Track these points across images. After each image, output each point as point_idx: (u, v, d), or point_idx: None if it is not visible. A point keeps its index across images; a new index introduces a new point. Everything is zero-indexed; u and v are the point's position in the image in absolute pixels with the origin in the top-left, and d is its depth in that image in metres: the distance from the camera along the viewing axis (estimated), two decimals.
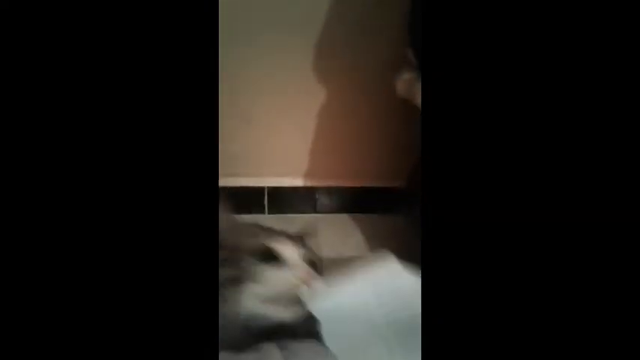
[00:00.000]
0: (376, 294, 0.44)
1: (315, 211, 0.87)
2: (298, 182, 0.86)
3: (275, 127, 0.82)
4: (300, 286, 0.39)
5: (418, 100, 0.49)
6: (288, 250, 0.41)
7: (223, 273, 0.36)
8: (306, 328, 0.41)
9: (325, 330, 0.41)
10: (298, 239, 0.44)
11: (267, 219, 0.83)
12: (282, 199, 0.86)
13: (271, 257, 0.40)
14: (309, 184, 0.86)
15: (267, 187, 0.85)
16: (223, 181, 0.76)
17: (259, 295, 0.39)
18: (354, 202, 0.87)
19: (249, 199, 0.84)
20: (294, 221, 0.78)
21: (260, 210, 0.85)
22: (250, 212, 0.83)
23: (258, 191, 0.85)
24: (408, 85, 0.55)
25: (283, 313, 0.39)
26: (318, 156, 0.85)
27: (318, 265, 0.42)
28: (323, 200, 0.87)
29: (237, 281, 0.38)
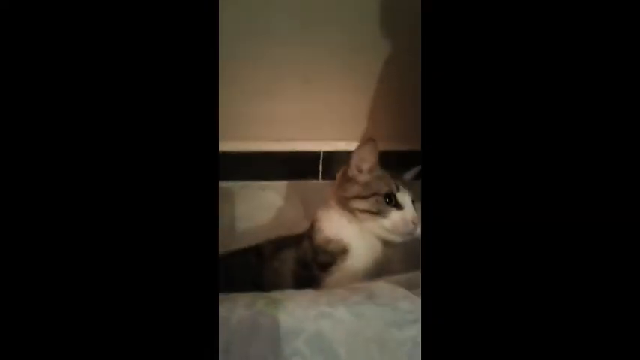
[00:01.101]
0: None
1: None
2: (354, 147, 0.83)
3: (331, 89, 0.78)
4: (411, 223, 0.57)
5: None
6: (406, 197, 0.59)
7: (370, 207, 0.57)
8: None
9: None
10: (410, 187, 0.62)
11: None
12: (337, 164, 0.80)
13: (395, 200, 0.58)
14: None
15: (323, 151, 0.82)
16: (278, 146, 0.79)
17: (385, 226, 0.57)
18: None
19: (304, 164, 0.82)
20: None
21: (314, 176, 0.84)
22: (305, 178, 0.82)
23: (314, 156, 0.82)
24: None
25: (399, 239, 0.58)
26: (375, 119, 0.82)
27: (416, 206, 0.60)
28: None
29: (376, 215, 0.57)
